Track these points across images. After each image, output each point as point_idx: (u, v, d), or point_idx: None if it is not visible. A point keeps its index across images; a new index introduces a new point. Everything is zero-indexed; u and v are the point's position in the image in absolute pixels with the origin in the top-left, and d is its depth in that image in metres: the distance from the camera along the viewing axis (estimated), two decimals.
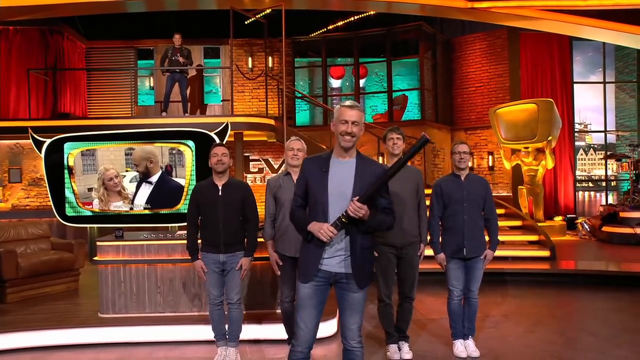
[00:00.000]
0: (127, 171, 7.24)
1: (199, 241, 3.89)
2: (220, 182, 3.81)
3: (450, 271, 4.00)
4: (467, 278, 4.00)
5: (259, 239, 3.95)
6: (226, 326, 3.95)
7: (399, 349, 4.04)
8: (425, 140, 2.42)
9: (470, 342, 4.10)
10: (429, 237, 4.04)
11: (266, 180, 4.50)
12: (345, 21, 12.07)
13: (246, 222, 3.86)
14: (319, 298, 2.65)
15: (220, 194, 3.77)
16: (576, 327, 4.90)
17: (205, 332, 4.28)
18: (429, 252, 4.02)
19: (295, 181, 3.80)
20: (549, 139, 9.66)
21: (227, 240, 3.77)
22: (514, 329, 4.82)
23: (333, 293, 2.77)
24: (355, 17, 11.91)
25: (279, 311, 4.44)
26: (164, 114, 9.72)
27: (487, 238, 4.06)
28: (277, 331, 4.26)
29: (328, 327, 4.55)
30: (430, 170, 11.18)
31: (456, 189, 3.97)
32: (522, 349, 4.25)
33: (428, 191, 4.18)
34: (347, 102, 2.66)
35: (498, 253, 4.05)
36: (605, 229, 9.46)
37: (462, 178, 4.00)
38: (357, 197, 2.47)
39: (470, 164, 4.14)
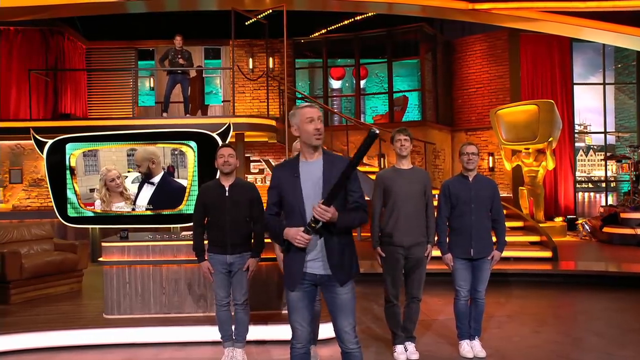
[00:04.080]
0: (129, 172, 7.21)
1: (206, 242, 3.88)
2: (227, 183, 3.80)
3: (457, 272, 4.01)
4: (474, 279, 4.01)
5: (265, 240, 3.95)
6: (233, 327, 3.95)
7: (406, 350, 4.05)
8: (374, 135, 2.32)
9: (476, 343, 4.11)
10: (436, 238, 4.05)
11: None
12: (347, 22, 12.07)
13: (253, 223, 3.85)
14: (309, 299, 2.68)
15: (227, 194, 3.77)
16: (581, 328, 4.91)
17: (211, 332, 4.28)
18: (436, 252, 4.03)
19: None
20: (549, 140, 9.69)
21: (234, 241, 3.77)
22: (519, 329, 4.83)
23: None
24: (357, 18, 11.92)
25: (285, 312, 4.45)
26: (164, 114, 9.71)
27: (494, 239, 4.08)
28: (284, 332, 4.24)
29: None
30: (430, 171, 11.18)
31: (464, 189, 3.98)
32: (528, 350, 4.26)
33: (435, 192, 4.19)
34: (304, 103, 2.72)
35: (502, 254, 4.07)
36: (606, 229, 9.48)
37: (470, 179, 4.01)
38: (321, 200, 2.46)
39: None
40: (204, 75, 12.46)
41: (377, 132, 2.32)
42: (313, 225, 2.47)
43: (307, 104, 2.70)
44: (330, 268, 2.59)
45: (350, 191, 2.61)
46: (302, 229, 2.52)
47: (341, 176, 2.41)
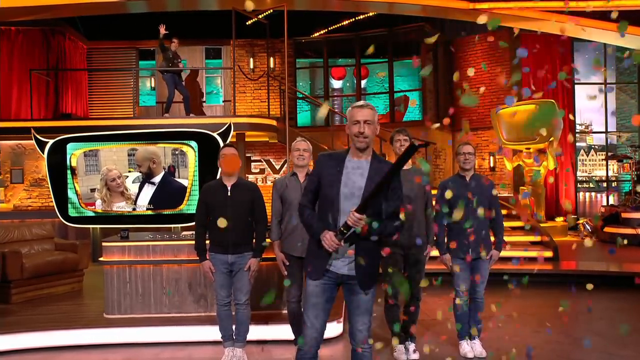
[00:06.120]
0: (129, 172, 7.23)
1: (207, 242, 3.89)
2: (229, 183, 3.81)
3: (455, 272, 4.01)
4: (473, 279, 4.01)
5: (266, 240, 3.96)
6: (233, 327, 3.96)
7: (406, 350, 4.05)
8: (414, 147, 2.31)
9: (476, 342, 4.11)
10: (435, 238, 4.05)
11: (273, 181, 4.51)
12: (348, 21, 12.07)
13: (255, 223, 3.86)
14: (326, 297, 2.64)
15: (229, 194, 3.77)
16: (581, 328, 4.91)
17: (211, 332, 4.29)
18: (435, 252, 4.03)
19: (301, 181, 3.82)
20: (550, 139, 9.68)
21: (235, 241, 3.77)
22: (519, 329, 4.83)
23: (340, 294, 2.78)
24: (357, 18, 11.92)
25: (285, 311, 4.46)
26: (166, 115, 9.73)
27: (492, 239, 4.08)
28: (284, 332, 4.26)
29: (334, 328, 4.55)
30: (431, 171, 11.18)
31: (461, 189, 3.97)
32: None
33: (433, 192, 4.19)
34: (358, 103, 2.66)
35: (501, 253, 4.07)
36: (607, 229, 9.47)
37: (467, 178, 4.01)
38: (354, 208, 2.42)
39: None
40: (205, 75, 12.47)
41: (417, 144, 2.31)
42: (344, 230, 2.43)
43: (359, 103, 2.64)
44: (356, 272, 2.57)
45: (389, 200, 2.55)
46: (333, 232, 2.47)
47: (376, 187, 2.36)
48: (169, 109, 9.76)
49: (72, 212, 7.09)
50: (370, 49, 2.90)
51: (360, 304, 2.63)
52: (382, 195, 2.45)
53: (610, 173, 12.89)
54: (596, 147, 14.42)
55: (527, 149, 10.06)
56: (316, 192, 2.68)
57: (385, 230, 2.55)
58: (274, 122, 9.49)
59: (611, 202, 12.55)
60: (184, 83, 9.99)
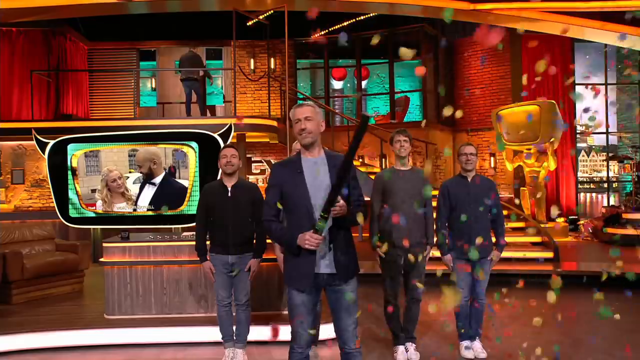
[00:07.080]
0: (130, 172, 7.23)
1: (208, 242, 3.89)
2: (229, 183, 3.81)
3: (457, 272, 4.00)
4: (474, 279, 4.01)
5: (267, 241, 3.96)
6: (234, 327, 3.96)
7: (406, 350, 4.05)
8: (366, 118, 2.29)
9: (477, 343, 4.11)
10: (435, 239, 4.05)
11: None
12: (348, 22, 12.06)
13: (255, 224, 3.86)
14: (312, 303, 2.65)
15: (229, 195, 3.78)
16: (582, 328, 4.91)
17: (212, 333, 4.29)
18: (435, 253, 4.03)
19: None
20: (551, 140, 9.67)
21: (235, 242, 3.78)
22: (519, 330, 4.82)
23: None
24: (358, 18, 11.92)
25: (285, 312, 4.46)
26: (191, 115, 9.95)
27: (494, 239, 4.08)
28: (284, 332, 4.25)
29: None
30: (432, 172, 11.17)
31: (463, 190, 3.97)
32: (529, 350, 4.25)
33: (434, 192, 4.19)
34: (298, 103, 2.72)
35: (502, 254, 4.07)
36: (608, 230, 9.46)
37: (469, 179, 4.01)
38: (325, 199, 2.40)
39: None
40: (205, 76, 12.47)
41: (369, 115, 2.33)
42: (320, 224, 2.39)
43: (299, 104, 2.70)
44: (336, 266, 2.57)
45: (352, 189, 2.60)
46: (310, 231, 2.45)
47: (342, 167, 2.36)
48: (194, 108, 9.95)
49: (72, 213, 7.08)
50: (375, 40, 2.87)
51: (346, 303, 2.63)
52: (346, 182, 2.43)
53: (611, 174, 12.88)
54: (596, 147, 14.43)
55: (527, 149, 10.05)
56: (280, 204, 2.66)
57: (354, 218, 2.54)
58: (274, 123, 9.50)
59: (612, 202, 12.55)
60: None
